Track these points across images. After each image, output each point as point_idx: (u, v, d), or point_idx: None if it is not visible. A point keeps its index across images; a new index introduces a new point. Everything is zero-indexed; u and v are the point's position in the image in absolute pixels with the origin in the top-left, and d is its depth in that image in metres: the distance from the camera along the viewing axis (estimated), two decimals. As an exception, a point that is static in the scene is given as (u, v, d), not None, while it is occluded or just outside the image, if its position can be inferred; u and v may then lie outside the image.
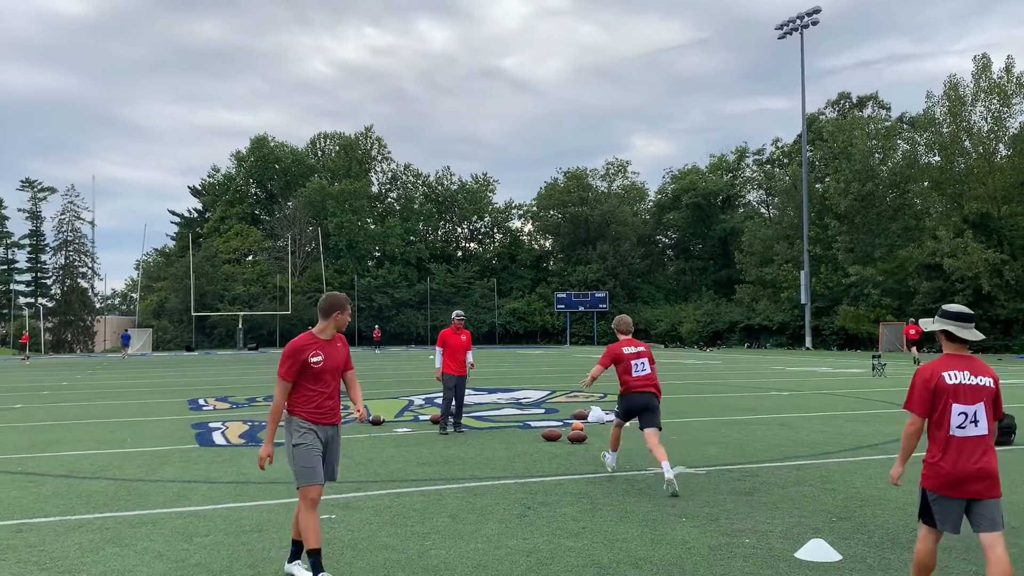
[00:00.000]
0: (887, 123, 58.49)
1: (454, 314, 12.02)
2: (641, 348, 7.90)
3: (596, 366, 7.84)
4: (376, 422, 12.41)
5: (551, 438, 10.52)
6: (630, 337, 8.03)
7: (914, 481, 4.61)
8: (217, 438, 11.25)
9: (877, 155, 53.55)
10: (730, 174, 74.19)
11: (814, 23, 54.26)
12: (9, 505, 6.99)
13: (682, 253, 76.16)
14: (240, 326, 61.30)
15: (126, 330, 56.77)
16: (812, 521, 6.14)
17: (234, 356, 47.56)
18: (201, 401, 16.94)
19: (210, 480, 8.06)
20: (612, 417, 12.74)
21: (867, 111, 63.02)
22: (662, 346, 59.69)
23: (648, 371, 7.78)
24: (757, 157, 72.65)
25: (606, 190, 76.56)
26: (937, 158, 48.51)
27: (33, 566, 5.19)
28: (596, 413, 12.70)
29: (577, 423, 11.59)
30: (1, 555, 5.44)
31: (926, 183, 49.94)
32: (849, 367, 28.83)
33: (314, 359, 4.92)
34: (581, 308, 66.88)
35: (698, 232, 72.80)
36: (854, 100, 64.26)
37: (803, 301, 52.72)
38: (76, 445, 10.68)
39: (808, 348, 51.39)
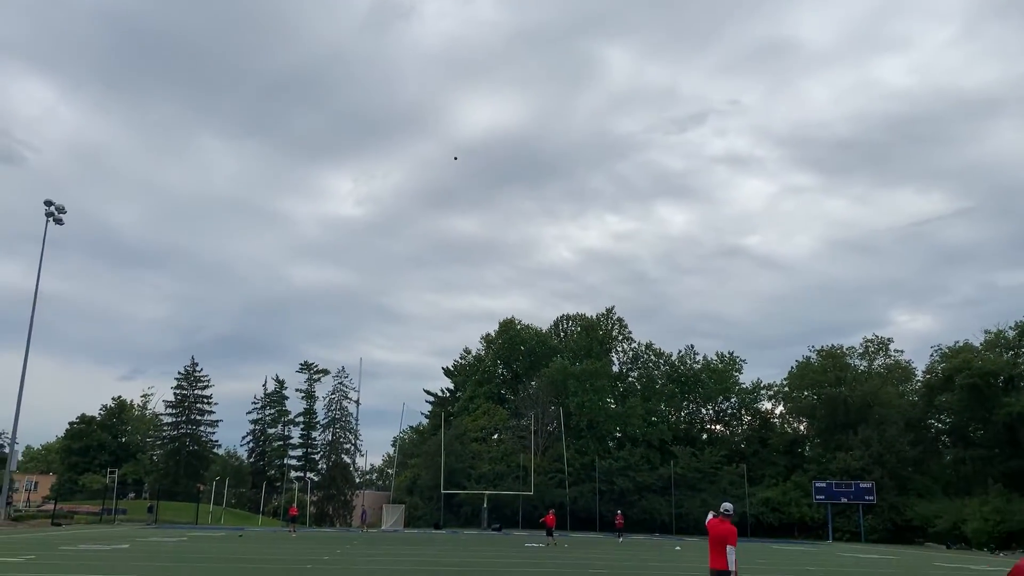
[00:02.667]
0: None
1: (722, 507, 11.32)
2: None
3: None
4: None
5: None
6: None
7: None
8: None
9: None
10: (1011, 352, 66.52)
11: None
12: None
13: (960, 440, 67.97)
14: (485, 505, 62.25)
15: (364, 508, 60.53)
16: None
17: (479, 536, 48.03)
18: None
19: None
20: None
21: None
22: (944, 547, 52.48)
23: None
24: (1045, 331, 64.81)
25: (866, 369, 71.43)
26: None
27: None
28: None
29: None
30: None
31: None
32: None
33: None
34: (844, 500, 60.92)
35: (977, 416, 64.94)
36: None
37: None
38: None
39: None
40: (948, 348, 68.01)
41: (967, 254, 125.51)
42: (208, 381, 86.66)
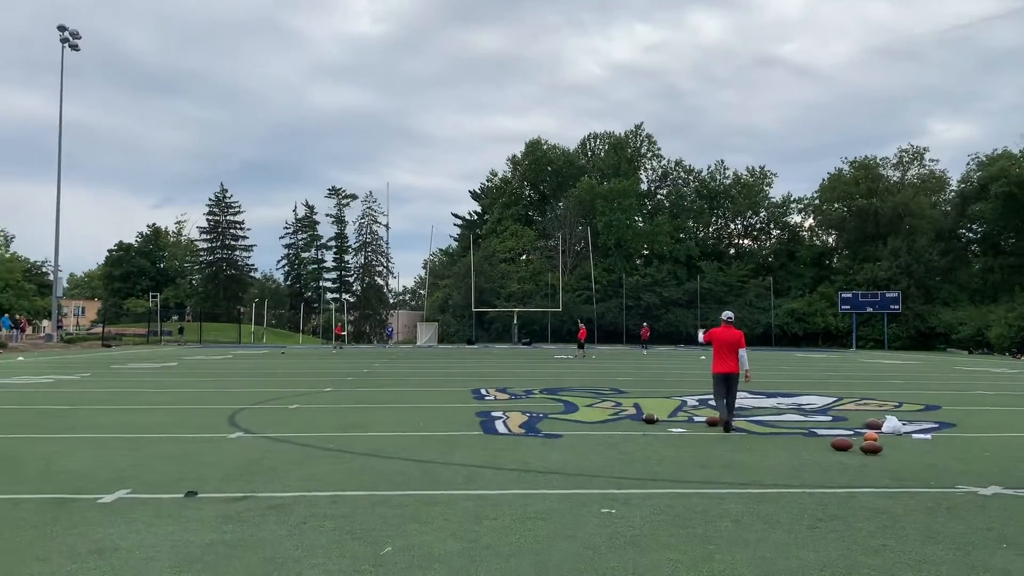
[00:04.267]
0: None
1: (724, 315, 11.83)
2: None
3: None
4: (650, 420, 12.32)
5: (841, 447, 9.73)
6: None
7: None
8: (499, 427, 11.77)
9: None
10: (1052, 158, 64.71)
11: None
12: (324, 479, 7.79)
13: (990, 249, 67.71)
14: (515, 322, 64.08)
15: (389, 325, 62.85)
16: None
17: (510, 350, 49.81)
18: (483, 391, 17.86)
19: (496, 466, 8.43)
20: (911, 428, 11.64)
21: None
22: (966, 352, 53.59)
23: None
24: (1087, 137, 62.76)
25: (899, 180, 70.29)
26: None
27: (346, 535, 5.72)
28: (892, 423, 11.61)
29: (871, 433, 10.64)
30: (320, 522, 6.06)
31: None
32: None
33: None
34: (869, 309, 61.76)
35: (1010, 225, 64.32)
36: None
37: None
38: (377, 427, 11.71)
39: None
40: (986, 156, 66.36)
41: (1013, 58, 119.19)
42: (239, 207, 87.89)
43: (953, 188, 70.06)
